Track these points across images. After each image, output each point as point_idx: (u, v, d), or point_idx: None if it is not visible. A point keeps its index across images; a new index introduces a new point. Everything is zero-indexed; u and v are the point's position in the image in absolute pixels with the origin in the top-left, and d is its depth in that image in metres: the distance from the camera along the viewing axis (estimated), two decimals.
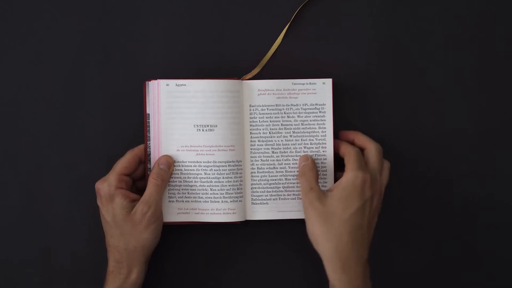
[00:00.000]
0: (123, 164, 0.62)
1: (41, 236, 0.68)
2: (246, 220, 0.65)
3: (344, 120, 0.67)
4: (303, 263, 0.67)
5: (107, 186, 0.61)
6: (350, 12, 0.68)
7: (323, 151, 0.65)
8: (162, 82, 0.64)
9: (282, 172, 0.65)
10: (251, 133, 0.65)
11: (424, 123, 0.68)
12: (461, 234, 0.68)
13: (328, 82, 0.65)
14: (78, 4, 0.68)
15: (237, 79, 0.65)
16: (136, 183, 0.65)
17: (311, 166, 0.62)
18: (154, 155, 0.64)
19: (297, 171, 0.65)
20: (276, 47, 0.68)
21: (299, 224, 0.63)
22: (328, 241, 0.59)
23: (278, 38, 0.67)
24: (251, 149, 0.65)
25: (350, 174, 0.60)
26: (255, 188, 0.65)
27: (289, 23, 0.67)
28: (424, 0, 0.68)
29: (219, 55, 0.68)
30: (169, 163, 0.63)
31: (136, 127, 0.67)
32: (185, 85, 0.63)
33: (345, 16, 0.68)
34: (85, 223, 0.67)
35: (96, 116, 0.68)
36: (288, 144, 0.65)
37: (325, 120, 0.65)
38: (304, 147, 0.65)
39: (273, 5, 0.68)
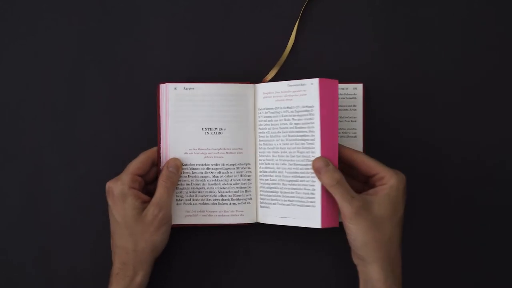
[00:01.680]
0: (136, 164, 0.62)
1: (41, 236, 0.68)
2: (257, 222, 0.65)
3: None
4: (311, 266, 0.67)
5: (120, 185, 0.61)
6: (350, 12, 0.68)
7: (313, 156, 0.60)
8: (170, 86, 0.63)
9: (280, 176, 0.63)
10: (259, 136, 0.64)
11: (425, 123, 0.68)
12: (461, 235, 0.68)
13: (315, 82, 0.60)
14: (78, 4, 0.68)
15: (249, 83, 0.64)
16: (147, 186, 0.64)
17: (340, 172, 0.59)
18: (163, 158, 0.64)
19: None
20: (290, 48, 0.67)
21: (305, 229, 0.62)
22: (381, 249, 0.58)
23: (290, 42, 0.67)
24: (259, 152, 0.65)
25: (394, 178, 0.58)
26: (261, 191, 0.65)
27: (297, 23, 0.67)
28: (424, 0, 0.68)
29: (220, 55, 0.68)
30: (177, 166, 0.63)
31: (135, 128, 0.67)
32: (193, 88, 0.63)
33: (345, 16, 0.68)
34: (85, 223, 0.67)
35: (96, 117, 0.68)
36: (285, 148, 0.62)
37: (313, 123, 0.60)
38: (297, 152, 0.61)
39: (273, 5, 0.68)
